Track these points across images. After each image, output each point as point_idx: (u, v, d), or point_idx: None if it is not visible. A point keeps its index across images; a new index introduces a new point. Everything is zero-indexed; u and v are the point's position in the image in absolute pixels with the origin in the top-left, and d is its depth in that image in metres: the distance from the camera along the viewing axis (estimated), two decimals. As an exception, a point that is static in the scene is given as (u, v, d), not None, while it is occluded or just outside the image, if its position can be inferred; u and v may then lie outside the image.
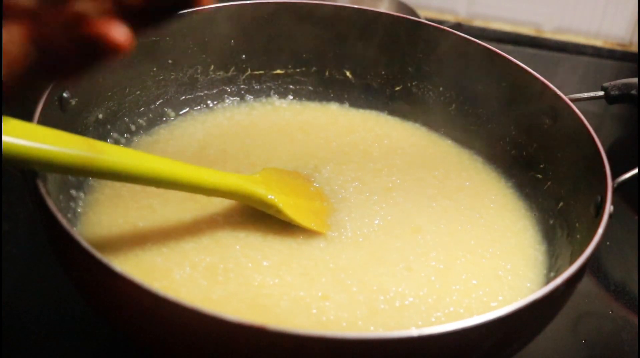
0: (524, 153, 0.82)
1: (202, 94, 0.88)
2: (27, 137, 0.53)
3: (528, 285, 0.69)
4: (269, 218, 0.71)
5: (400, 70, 0.90)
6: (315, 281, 0.66)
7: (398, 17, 0.88)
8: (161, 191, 0.68)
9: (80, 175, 0.58)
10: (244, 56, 0.89)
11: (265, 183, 0.71)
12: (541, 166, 0.80)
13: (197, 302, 0.50)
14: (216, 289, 0.63)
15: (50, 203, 0.55)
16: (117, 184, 0.72)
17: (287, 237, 0.70)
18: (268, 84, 0.91)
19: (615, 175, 0.67)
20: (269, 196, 0.69)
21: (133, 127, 0.82)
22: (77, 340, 0.70)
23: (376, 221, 0.73)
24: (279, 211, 0.69)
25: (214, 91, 0.89)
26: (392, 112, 0.91)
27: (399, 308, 0.64)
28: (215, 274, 0.65)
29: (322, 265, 0.68)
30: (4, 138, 0.51)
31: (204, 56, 0.86)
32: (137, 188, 0.71)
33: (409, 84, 0.90)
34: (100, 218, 0.70)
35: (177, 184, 0.64)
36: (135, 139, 0.81)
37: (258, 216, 0.71)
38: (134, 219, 0.70)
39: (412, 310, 0.64)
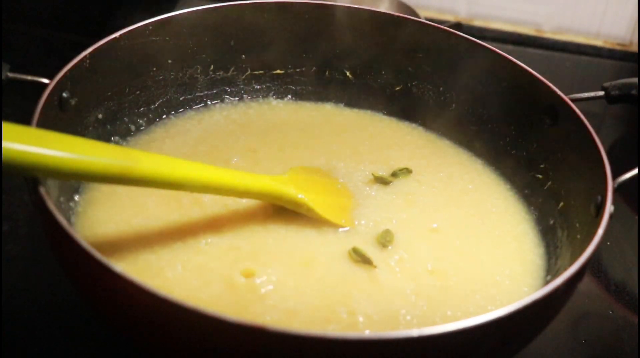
0: (524, 153, 0.82)
1: (202, 94, 0.88)
2: (67, 149, 0.54)
3: (525, 289, 0.69)
4: (260, 216, 0.71)
5: (400, 70, 0.90)
6: (303, 280, 0.65)
7: (398, 17, 0.87)
8: (154, 189, 0.68)
9: (117, 183, 0.59)
10: (244, 56, 0.89)
11: (294, 182, 0.72)
12: (541, 166, 0.80)
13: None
14: (205, 289, 0.63)
15: (50, 204, 0.55)
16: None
17: (279, 228, 0.70)
18: (268, 84, 0.91)
19: (615, 175, 0.67)
20: (299, 196, 0.70)
21: (132, 127, 0.82)
22: (77, 340, 0.70)
23: (393, 221, 0.74)
24: (309, 209, 0.71)
25: (214, 91, 0.89)
26: (391, 112, 0.91)
27: (396, 312, 0.64)
28: (203, 274, 0.65)
29: (309, 265, 0.67)
30: (49, 152, 0.53)
31: (204, 55, 0.86)
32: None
33: (408, 84, 0.90)
34: (98, 217, 0.70)
35: (212, 188, 0.65)
36: (132, 138, 0.81)
37: (246, 213, 0.71)
38: (129, 218, 0.70)
39: (409, 314, 0.64)
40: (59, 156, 0.54)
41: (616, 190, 0.66)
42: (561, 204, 0.75)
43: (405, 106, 0.91)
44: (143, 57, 0.80)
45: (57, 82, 0.66)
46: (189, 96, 0.87)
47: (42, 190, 0.56)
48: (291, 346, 0.49)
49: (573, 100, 0.76)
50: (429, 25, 0.87)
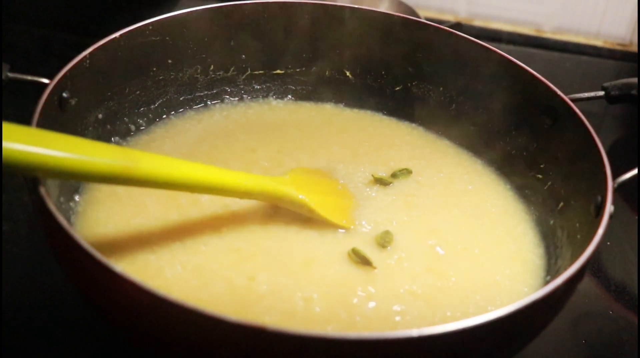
0: (524, 153, 0.82)
1: (202, 94, 0.88)
2: (67, 149, 0.54)
3: (525, 289, 0.69)
4: (259, 216, 0.71)
5: (400, 70, 0.90)
6: (300, 281, 0.65)
7: (398, 17, 0.87)
8: (154, 189, 0.68)
9: (117, 184, 0.59)
10: (244, 56, 0.89)
11: (295, 183, 0.72)
12: (541, 166, 0.80)
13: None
14: (205, 290, 0.63)
15: (50, 204, 0.55)
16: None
17: (279, 229, 0.70)
18: (268, 84, 0.91)
19: (615, 175, 0.67)
20: (300, 197, 0.70)
21: (132, 127, 0.82)
22: (77, 340, 0.70)
23: (393, 223, 0.74)
24: (310, 210, 0.71)
25: (214, 91, 0.89)
26: (391, 112, 0.91)
27: (395, 313, 0.64)
28: (202, 274, 0.65)
29: (308, 266, 0.67)
30: (49, 152, 0.53)
31: (204, 55, 0.86)
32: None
33: (409, 84, 0.90)
34: (97, 216, 0.70)
35: (212, 189, 0.65)
36: (132, 138, 0.81)
37: (246, 214, 0.71)
38: (129, 218, 0.70)
39: (409, 314, 0.64)
40: (59, 156, 0.54)
41: (616, 190, 0.66)
42: (561, 204, 0.75)
43: (405, 106, 0.91)
44: (143, 57, 0.80)
45: (57, 82, 0.66)
46: (189, 96, 0.87)
47: (42, 190, 0.56)
48: (291, 346, 0.49)
49: (573, 100, 0.76)
50: (429, 25, 0.87)
